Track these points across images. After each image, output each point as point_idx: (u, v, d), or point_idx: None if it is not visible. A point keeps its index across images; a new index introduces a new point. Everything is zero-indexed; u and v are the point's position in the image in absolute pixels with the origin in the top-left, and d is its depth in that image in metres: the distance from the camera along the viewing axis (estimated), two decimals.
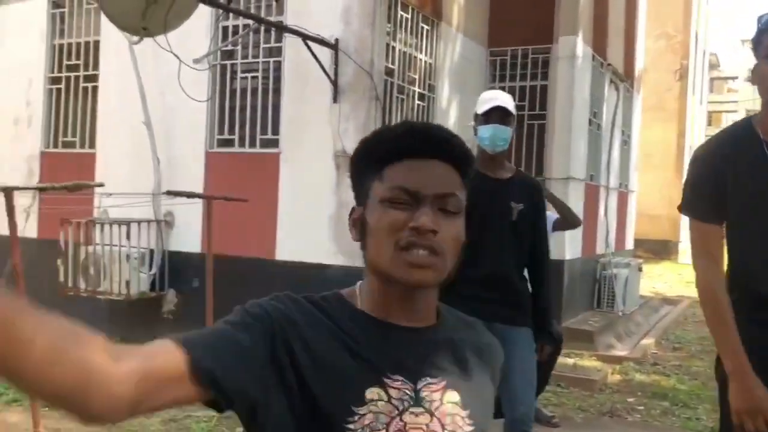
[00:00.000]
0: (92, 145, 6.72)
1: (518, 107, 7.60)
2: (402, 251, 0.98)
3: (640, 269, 9.05)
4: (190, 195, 5.20)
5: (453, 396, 1.02)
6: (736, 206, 2.06)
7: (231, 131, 6.05)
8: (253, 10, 5.80)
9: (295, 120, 5.70)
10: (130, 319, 6.31)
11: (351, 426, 0.95)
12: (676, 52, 16.36)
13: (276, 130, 5.81)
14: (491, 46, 7.82)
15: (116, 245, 5.83)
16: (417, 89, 6.48)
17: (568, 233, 7.16)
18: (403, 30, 6.19)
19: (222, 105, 6.07)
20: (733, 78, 51.47)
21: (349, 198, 4.54)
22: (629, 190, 10.40)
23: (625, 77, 9.67)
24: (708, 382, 5.34)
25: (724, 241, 2.13)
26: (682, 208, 2.16)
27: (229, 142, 6.07)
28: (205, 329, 0.97)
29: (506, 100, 3.15)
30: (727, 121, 50.93)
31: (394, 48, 5.99)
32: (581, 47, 7.61)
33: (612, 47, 8.96)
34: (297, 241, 5.66)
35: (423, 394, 1.00)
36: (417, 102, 6.50)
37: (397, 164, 1.02)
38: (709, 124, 34.07)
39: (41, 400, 0.82)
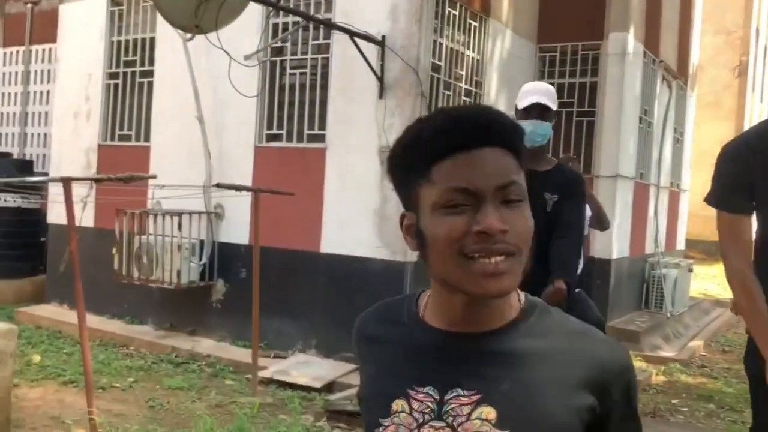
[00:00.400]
0: (147, 138, 6.95)
1: (567, 104, 7.69)
2: (471, 261, 0.88)
3: (690, 270, 8.88)
4: (239, 188, 5.36)
5: (488, 412, 0.90)
6: (765, 198, 2.08)
7: (279, 126, 6.18)
8: (302, 8, 5.91)
9: (342, 116, 5.79)
10: (180, 307, 6.53)
11: None
12: (736, 48, 15.89)
13: (323, 126, 5.91)
14: (540, 42, 7.77)
15: (168, 236, 6.03)
16: (464, 85, 6.50)
17: (615, 232, 7.10)
18: (451, 26, 6.21)
19: (271, 100, 6.20)
20: None
21: (392, 193, 4.64)
22: (681, 189, 10.19)
23: (679, 74, 9.47)
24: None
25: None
26: (710, 200, 2.20)
27: (277, 137, 6.21)
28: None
29: (546, 95, 3.18)
30: None
31: (441, 44, 6.02)
32: (632, 44, 7.50)
33: (665, 43, 8.79)
34: (341, 234, 5.76)
35: (449, 407, 0.92)
36: (464, 98, 6.52)
37: (445, 161, 0.90)
38: None
39: None
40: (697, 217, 11.44)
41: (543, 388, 0.91)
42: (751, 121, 17.38)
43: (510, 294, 0.94)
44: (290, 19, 5.95)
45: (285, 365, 5.60)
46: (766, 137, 2.12)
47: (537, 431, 0.90)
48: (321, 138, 5.94)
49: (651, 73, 8.29)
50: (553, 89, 3.30)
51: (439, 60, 6.02)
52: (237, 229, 6.28)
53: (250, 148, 6.25)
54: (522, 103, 3.19)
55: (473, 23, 6.58)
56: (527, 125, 3.09)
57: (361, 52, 5.38)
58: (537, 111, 3.14)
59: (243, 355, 5.74)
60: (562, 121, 7.57)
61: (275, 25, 6.14)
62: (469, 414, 0.91)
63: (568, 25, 7.62)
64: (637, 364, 6.28)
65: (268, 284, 5.59)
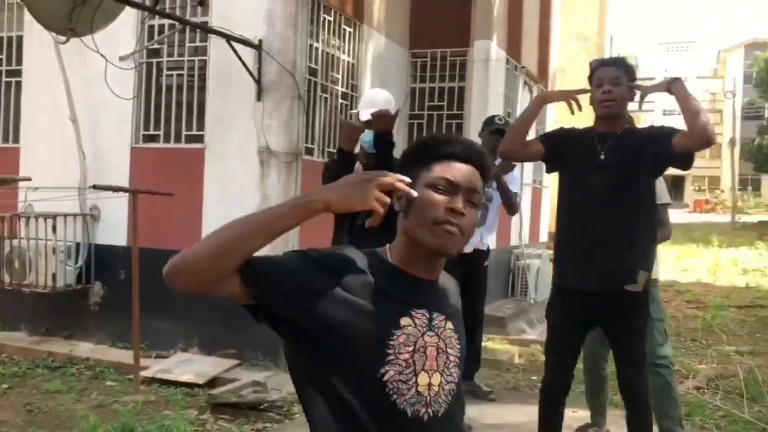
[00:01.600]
0: (16, 140, 6.74)
1: (437, 107, 8.15)
2: (437, 225, 1.39)
3: (551, 260, 9.61)
4: (116, 189, 5.37)
5: (450, 325, 1.45)
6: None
7: (156, 127, 6.20)
8: (179, 11, 5.97)
9: (220, 117, 5.91)
10: (56, 311, 6.40)
11: (392, 342, 1.36)
12: (593, 54, 17.16)
13: (201, 127, 6.01)
14: (412, 48, 8.18)
15: (42, 239, 5.91)
16: (340, 89, 6.78)
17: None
18: (326, 31, 6.47)
19: (147, 101, 6.21)
20: (651, 79, 53.67)
21: (272, 192, 4.97)
22: (543, 186, 10.99)
23: (540, 78, 10.23)
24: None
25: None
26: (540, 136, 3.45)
27: (154, 138, 6.23)
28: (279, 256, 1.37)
29: (386, 106, 3.59)
30: (646, 120, 53.26)
31: (317, 49, 6.27)
32: (495, 51, 8.08)
33: (526, 50, 9.48)
34: None
35: (435, 322, 1.42)
36: (340, 101, 6.81)
37: (444, 162, 1.42)
38: (628, 123, 35.48)
39: (220, 244, 1.29)
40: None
41: (457, 310, 1.53)
42: None
43: (455, 253, 1.44)
44: (167, 21, 6.00)
45: (167, 364, 5.66)
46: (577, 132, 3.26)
47: (463, 337, 1.49)
48: (199, 139, 6.03)
49: (513, 78, 8.93)
50: (391, 97, 3.67)
51: (315, 64, 6.26)
52: (114, 231, 6.24)
53: (126, 149, 6.23)
54: (363, 115, 3.60)
55: (347, 29, 6.88)
56: (369, 134, 3.53)
57: (238, 56, 5.53)
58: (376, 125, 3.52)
59: (124, 356, 5.74)
60: (434, 123, 8.07)
61: (151, 27, 6.16)
62: (444, 326, 1.44)
63: (438, 33, 8.09)
64: (503, 346, 6.82)
65: (148, 285, 5.57)
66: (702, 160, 55.59)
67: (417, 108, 8.23)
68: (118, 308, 5.97)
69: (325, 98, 6.53)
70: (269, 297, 1.30)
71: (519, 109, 9.25)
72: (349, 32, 6.93)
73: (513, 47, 8.86)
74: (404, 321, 1.38)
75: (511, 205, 5.12)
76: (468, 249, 4.17)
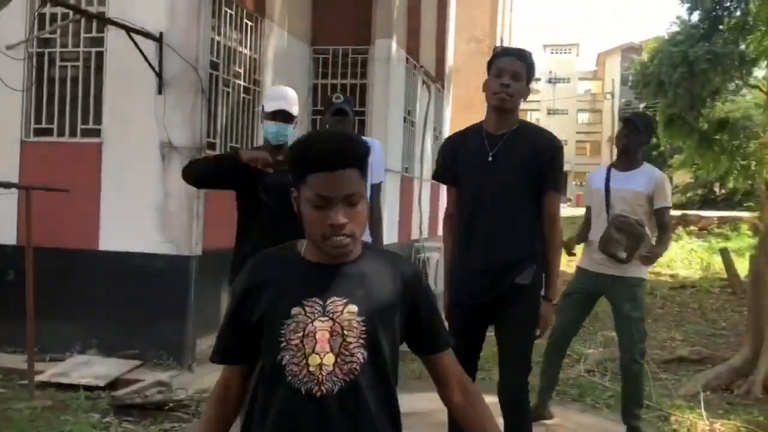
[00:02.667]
0: None
1: None
2: (326, 240, 1.49)
3: None
4: (5, 185, 5.09)
5: (352, 308, 1.51)
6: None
7: (49, 120, 5.92)
8: (74, 0, 5.72)
9: (118, 110, 5.72)
10: None
11: (283, 331, 1.51)
12: (485, 55, 17.76)
13: (98, 120, 5.79)
14: (314, 45, 8.21)
15: None
16: (242, 83, 6.72)
17: (385, 221, 7.76)
18: (227, 25, 6.39)
19: (39, 93, 5.92)
20: (536, 80, 56.12)
21: (175, 188, 4.88)
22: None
23: (437, 78, 10.52)
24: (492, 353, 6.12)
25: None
26: (433, 176, 3.32)
27: (47, 131, 5.95)
28: (219, 331, 1.67)
29: (289, 101, 3.52)
30: (532, 118, 55.75)
31: (219, 42, 6.19)
32: (395, 50, 8.24)
33: (424, 50, 9.73)
34: (121, 231, 5.70)
35: (329, 308, 1.51)
36: (242, 95, 6.74)
37: (315, 174, 1.47)
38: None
39: None
40: None
41: (379, 291, 1.56)
42: None
43: (349, 256, 1.55)
44: (60, 10, 5.73)
45: (63, 367, 5.43)
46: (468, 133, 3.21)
47: (382, 318, 1.54)
48: (96, 132, 5.82)
49: (412, 76, 9.15)
50: (295, 94, 3.65)
51: (217, 58, 6.18)
52: (3, 229, 5.91)
53: (16, 144, 5.91)
54: (268, 107, 3.50)
55: (249, 23, 6.82)
56: (273, 126, 3.45)
57: (139, 48, 5.38)
58: (281, 116, 3.47)
59: (14, 361, 5.46)
60: None
61: (43, 16, 5.87)
62: (342, 310, 1.51)
63: (340, 30, 8.16)
64: None
65: (42, 286, 5.33)
66: (583, 157, 58.77)
67: (320, 104, 8.27)
68: (7, 312, 5.65)
69: (227, 92, 6.45)
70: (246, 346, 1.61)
71: (418, 108, 9.51)
72: (251, 26, 6.87)
73: (412, 47, 9.07)
74: (294, 310, 1.51)
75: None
76: None
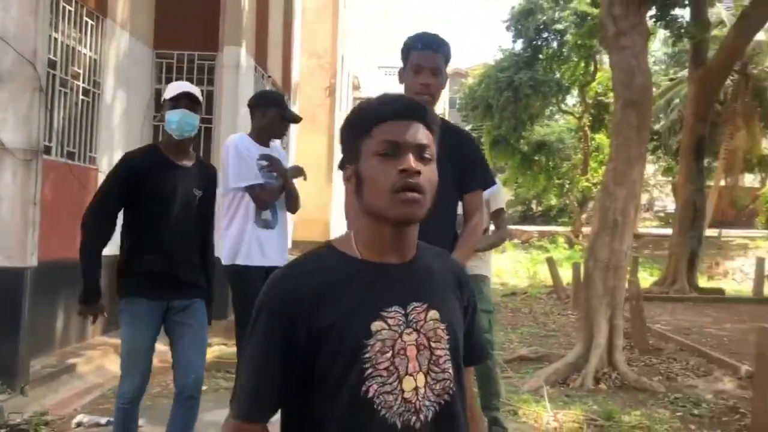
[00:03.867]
0: None
1: None
2: (395, 193, 1.24)
3: None
4: None
5: (434, 314, 1.28)
6: None
7: None
8: None
9: None
10: None
11: (366, 354, 1.21)
12: (326, 71, 17.99)
13: None
14: (157, 48, 7.89)
15: None
16: (81, 84, 6.30)
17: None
18: (67, 23, 5.98)
19: None
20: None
21: (7, 193, 4.48)
22: None
23: (284, 90, 10.49)
24: None
25: None
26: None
27: None
28: (250, 381, 1.26)
29: (194, 89, 3.33)
30: None
31: (56, 40, 5.76)
32: (245, 58, 8.13)
33: (272, 61, 9.68)
34: None
35: (411, 316, 1.25)
36: (81, 97, 6.32)
37: (384, 123, 1.27)
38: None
39: None
40: (302, 221, 12.68)
41: (449, 293, 1.35)
42: (337, 133, 19.84)
43: (415, 227, 1.31)
44: None
45: None
46: None
47: (456, 323, 1.33)
48: None
49: (261, 86, 9.05)
50: (198, 91, 3.46)
51: (55, 56, 5.76)
52: None
53: None
54: (170, 94, 3.23)
55: (90, 21, 6.43)
56: (177, 113, 3.14)
57: None
58: (186, 102, 3.19)
59: None
60: None
61: None
62: (424, 318, 1.27)
63: (185, 35, 7.91)
64: None
65: None
66: None
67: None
68: None
69: (65, 93, 6.03)
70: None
71: None
72: (92, 25, 6.48)
73: (261, 56, 8.99)
74: (375, 326, 1.23)
75: (294, 203, 4.26)
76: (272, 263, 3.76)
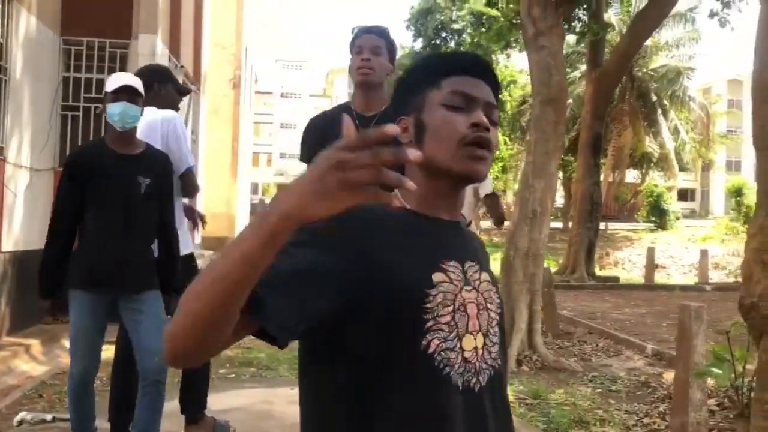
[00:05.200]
0: None
1: (95, 99, 7.60)
2: (464, 147, 1.16)
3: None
4: None
5: (485, 276, 1.22)
6: None
7: None
8: None
9: None
10: None
11: (428, 305, 1.11)
12: (231, 63, 17.66)
13: None
14: (65, 35, 7.52)
15: None
16: None
17: None
18: None
19: None
20: (269, 93, 57.00)
21: None
22: None
23: (195, 81, 10.25)
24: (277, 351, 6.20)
25: None
26: (300, 159, 3.01)
27: None
28: (285, 266, 0.97)
29: (135, 81, 3.30)
30: (265, 131, 56.46)
31: None
32: (160, 47, 7.89)
33: (184, 50, 9.44)
34: None
35: (468, 274, 1.19)
36: None
37: (453, 77, 1.20)
38: (256, 133, 37.32)
39: (204, 315, 0.89)
40: (209, 214, 12.43)
41: (488, 257, 1.32)
42: (243, 129, 19.52)
43: (483, 177, 1.22)
44: None
45: None
46: (337, 116, 2.96)
47: (496, 285, 1.28)
48: None
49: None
50: (140, 81, 3.41)
51: None
52: None
53: None
54: (111, 86, 3.22)
55: None
56: (118, 106, 3.16)
57: None
58: (127, 94, 3.19)
59: None
60: (91, 116, 7.54)
61: None
62: (479, 278, 1.21)
63: (96, 22, 7.59)
64: None
65: None
66: None
67: (72, 99, 7.59)
68: None
69: None
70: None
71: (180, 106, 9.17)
72: None
73: (174, 46, 8.75)
74: (437, 277, 1.14)
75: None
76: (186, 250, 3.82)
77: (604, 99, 12.53)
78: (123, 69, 7.69)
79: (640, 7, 19.36)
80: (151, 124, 3.57)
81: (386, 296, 1.08)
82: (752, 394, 3.33)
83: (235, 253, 0.87)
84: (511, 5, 11.24)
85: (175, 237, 3.47)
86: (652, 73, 22.89)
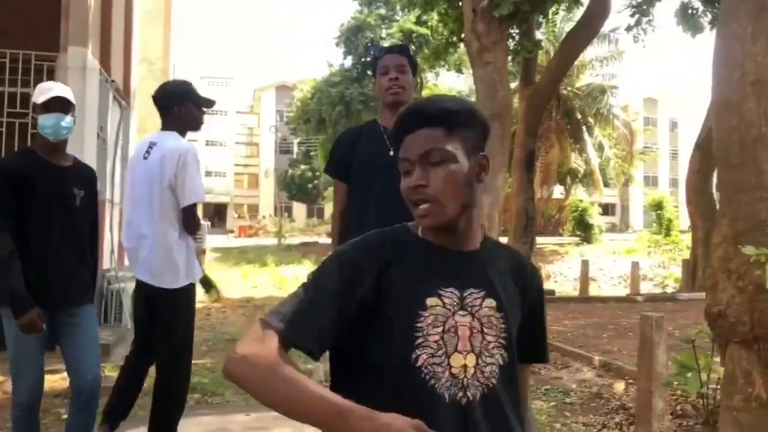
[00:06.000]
0: None
1: (19, 114, 7.20)
2: (414, 207, 1.36)
3: None
4: None
5: (490, 302, 1.36)
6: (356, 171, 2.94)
7: None
8: None
9: None
10: None
11: (419, 324, 1.30)
12: (157, 78, 17.15)
13: None
14: None
15: None
16: None
17: None
18: None
19: None
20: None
21: None
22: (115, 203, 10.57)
23: (125, 95, 9.87)
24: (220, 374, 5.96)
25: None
26: (326, 170, 3.11)
27: None
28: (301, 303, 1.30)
29: (66, 91, 3.21)
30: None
31: None
32: (90, 60, 7.55)
33: (115, 64, 9.09)
34: None
35: (466, 300, 1.34)
36: None
37: (402, 143, 1.39)
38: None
39: (263, 399, 1.22)
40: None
41: (509, 287, 1.42)
42: None
43: (465, 221, 1.38)
44: None
45: None
46: (363, 129, 3.08)
47: (514, 314, 1.40)
48: None
49: (105, 90, 8.46)
50: (70, 90, 3.28)
51: None
52: None
53: None
54: (41, 98, 3.11)
55: None
56: (50, 118, 3.07)
57: None
58: (59, 104, 3.11)
59: None
60: (15, 131, 7.13)
61: None
62: (480, 304, 1.35)
63: (20, 34, 7.21)
64: (116, 373, 6.37)
65: None
66: (241, 190, 60.03)
67: None
68: None
69: None
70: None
71: (110, 123, 8.81)
72: None
73: (105, 59, 8.40)
74: (431, 301, 1.32)
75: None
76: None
77: (537, 116, 12.79)
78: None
79: (566, 28, 20.04)
80: (166, 154, 3.39)
81: (388, 314, 1.31)
82: (717, 402, 3.37)
83: (302, 409, 1.18)
84: (449, 24, 11.36)
85: (97, 240, 3.38)
86: (577, 91, 23.65)
